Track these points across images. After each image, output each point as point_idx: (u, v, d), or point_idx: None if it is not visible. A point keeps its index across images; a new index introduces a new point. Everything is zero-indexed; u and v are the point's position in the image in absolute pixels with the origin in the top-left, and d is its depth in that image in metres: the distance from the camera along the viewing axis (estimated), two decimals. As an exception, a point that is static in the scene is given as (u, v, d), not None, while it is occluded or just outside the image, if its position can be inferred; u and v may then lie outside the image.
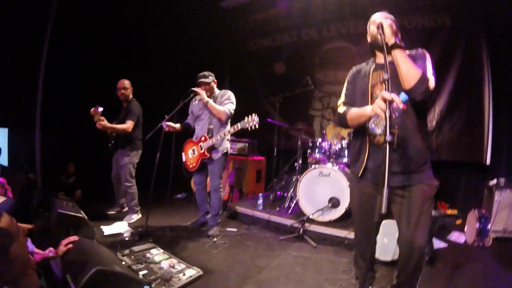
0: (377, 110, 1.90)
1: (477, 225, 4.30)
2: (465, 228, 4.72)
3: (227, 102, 4.52)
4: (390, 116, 1.77)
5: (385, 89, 1.87)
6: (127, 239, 4.22)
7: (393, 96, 1.81)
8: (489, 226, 4.33)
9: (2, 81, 5.45)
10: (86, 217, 3.92)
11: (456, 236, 4.77)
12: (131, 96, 5.30)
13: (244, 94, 7.24)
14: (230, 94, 4.62)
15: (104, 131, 5.15)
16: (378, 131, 2.00)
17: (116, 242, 4.01)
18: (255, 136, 4.71)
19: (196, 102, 4.73)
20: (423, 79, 2.05)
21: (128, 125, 5.06)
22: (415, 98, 2.05)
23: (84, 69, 6.32)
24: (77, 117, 5.92)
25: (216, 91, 4.70)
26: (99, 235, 4.27)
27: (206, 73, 4.57)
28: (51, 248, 2.66)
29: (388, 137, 1.67)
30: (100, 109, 4.86)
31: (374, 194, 2.34)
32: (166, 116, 4.39)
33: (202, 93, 4.37)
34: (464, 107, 5.69)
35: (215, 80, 4.68)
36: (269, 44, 8.07)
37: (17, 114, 5.75)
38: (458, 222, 5.32)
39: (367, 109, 2.16)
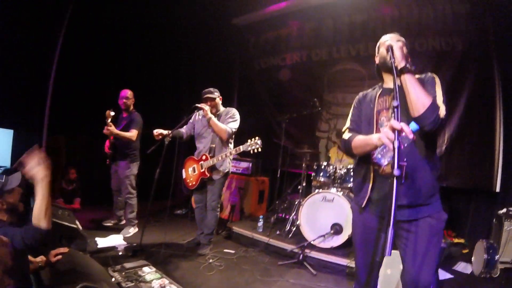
0: (385, 140, 1.76)
1: (485, 256, 4.14)
2: (472, 259, 4.55)
3: (230, 121, 4.47)
4: (399, 147, 1.65)
5: (394, 117, 1.76)
6: (120, 253, 4.12)
7: (402, 125, 1.68)
8: (497, 257, 4.16)
9: (11, 84, 5.45)
10: (80, 228, 3.87)
11: (462, 267, 4.61)
12: (132, 107, 5.30)
13: (251, 112, 7.23)
14: (234, 112, 4.56)
15: (103, 141, 5.17)
16: (385, 162, 1.87)
17: (109, 257, 3.91)
18: (260, 155, 4.63)
19: (200, 117, 4.67)
20: (433, 106, 1.93)
21: (133, 133, 5.08)
22: (424, 127, 1.92)
23: (92, 78, 6.36)
24: (83, 123, 5.92)
25: (221, 108, 4.65)
26: (93, 246, 4.17)
27: (211, 89, 4.55)
28: (42, 256, 2.60)
29: (396, 172, 1.56)
30: (112, 113, 4.92)
31: (377, 228, 2.21)
32: (169, 131, 4.33)
33: (206, 108, 4.31)
34: (475, 132, 5.56)
35: (221, 97, 4.64)
36: (278, 63, 8.04)
37: (24, 117, 5.73)
38: (465, 251, 5.15)
39: (374, 138, 2.02)
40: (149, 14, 6.72)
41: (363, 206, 2.25)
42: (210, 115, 4.31)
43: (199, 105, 4.34)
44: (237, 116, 4.55)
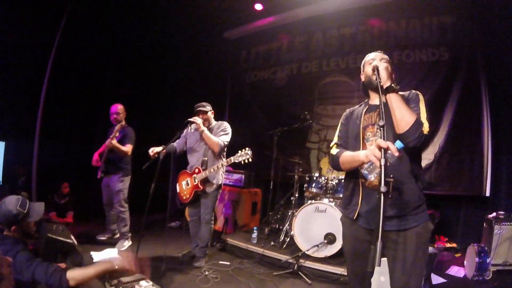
0: (372, 158, 1.85)
1: (477, 259, 4.25)
2: (465, 262, 4.67)
3: (222, 134, 4.53)
4: (385, 164, 1.73)
5: (380, 136, 1.85)
6: (116, 267, 4.10)
7: (388, 144, 1.78)
8: (488, 260, 4.28)
9: (2, 96, 5.45)
10: (75, 242, 3.84)
11: (455, 271, 4.72)
12: (124, 121, 5.30)
13: (242, 125, 7.29)
14: (226, 126, 4.63)
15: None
16: (372, 177, 1.94)
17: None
18: (252, 168, 4.69)
19: (192, 131, 4.72)
20: (417, 124, 2.03)
21: (129, 148, 5.11)
22: (408, 144, 2.01)
23: (85, 91, 6.37)
24: (75, 136, 5.91)
25: (213, 122, 4.71)
26: (88, 261, 4.15)
27: (204, 103, 4.62)
28: None
29: (383, 188, 1.64)
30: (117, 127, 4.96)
31: (366, 239, 2.28)
32: (163, 147, 4.36)
33: (199, 121, 4.36)
34: (464, 139, 5.71)
35: (213, 111, 4.70)
36: (269, 76, 8.14)
37: (16, 129, 5.73)
38: (457, 255, 5.26)
39: (361, 155, 2.10)
40: (142, 28, 6.78)
41: (354, 218, 2.31)
42: (203, 127, 4.36)
43: (191, 119, 4.39)
44: (229, 129, 4.61)
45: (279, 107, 7.72)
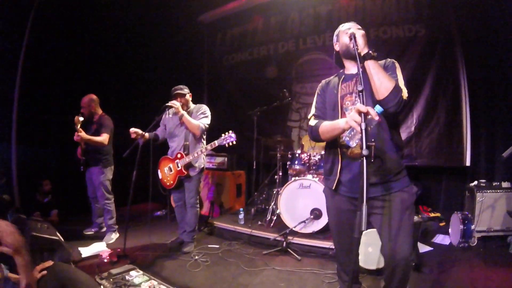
0: (352, 123, 1.86)
1: (461, 226, 4.39)
2: (450, 230, 4.80)
3: (202, 117, 4.50)
4: (366, 129, 1.74)
5: (360, 101, 1.86)
6: (105, 260, 4.09)
7: (368, 108, 1.79)
8: (473, 227, 4.41)
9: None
10: (62, 239, 3.80)
11: (441, 239, 4.84)
12: (100, 111, 5.21)
13: (222, 108, 7.27)
14: (205, 109, 4.59)
15: (75, 149, 5.13)
16: (353, 144, 1.96)
17: (94, 265, 3.88)
18: (234, 150, 4.69)
19: (171, 115, 4.68)
20: (397, 89, 2.05)
21: (105, 137, 5.00)
22: (388, 109, 2.04)
23: (59, 84, 6.22)
24: (53, 132, 5.80)
25: (191, 105, 4.67)
26: (77, 256, 4.13)
27: (181, 86, 4.56)
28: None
29: (365, 151, 1.66)
30: (81, 119, 4.83)
31: (350, 208, 2.32)
32: (144, 132, 4.30)
33: (178, 105, 4.31)
34: (442, 112, 5.78)
35: (190, 93, 4.65)
36: (246, 57, 8.08)
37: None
38: (442, 224, 5.40)
39: (341, 122, 2.12)
40: (115, 14, 6.62)
41: (333, 188, 2.34)
42: (182, 111, 4.33)
43: (169, 103, 4.34)
44: (208, 112, 4.59)
45: (257, 88, 7.68)
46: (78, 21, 6.36)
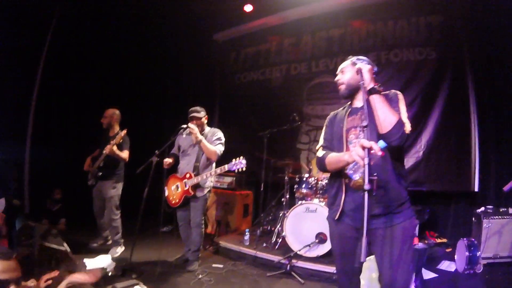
0: (356, 158, 1.91)
1: (467, 253, 4.33)
2: (455, 257, 4.75)
3: (218, 143, 4.56)
4: (369, 163, 1.78)
5: (364, 136, 1.91)
6: (110, 274, 4.12)
7: (372, 143, 1.83)
8: (478, 253, 4.35)
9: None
10: (69, 250, 3.84)
11: (446, 265, 4.80)
12: (117, 127, 5.29)
13: (232, 127, 7.31)
14: (220, 135, 4.66)
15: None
16: (356, 177, 2.00)
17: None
18: (243, 170, 4.74)
19: (184, 136, 4.75)
20: (400, 124, 2.08)
21: (127, 154, 5.09)
22: (391, 143, 2.06)
23: (76, 96, 6.34)
24: (68, 140, 5.89)
25: (206, 128, 4.73)
26: (82, 268, 4.16)
27: (198, 108, 4.62)
28: (33, 280, 2.61)
29: (367, 186, 1.69)
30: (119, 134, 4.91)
31: (353, 237, 2.34)
32: (156, 151, 4.39)
33: (196, 131, 4.37)
34: (451, 137, 5.78)
35: (206, 116, 4.72)
36: (258, 77, 8.17)
37: (6, 134, 5.69)
38: (448, 250, 5.34)
39: (345, 156, 2.18)
40: (133, 31, 6.78)
41: (336, 218, 2.37)
42: (200, 137, 4.38)
43: (189, 128, 4.39)
44: (223, 138, 4.66)
45: (268, 109, 7.74)
46: (99, 32, 6.53)
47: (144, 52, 7.32)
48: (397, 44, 6.35)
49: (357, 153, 1.90)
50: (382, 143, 1.93)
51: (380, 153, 1.85)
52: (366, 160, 1.78)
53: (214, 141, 4.56)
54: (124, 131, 5.00)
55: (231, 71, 8.64)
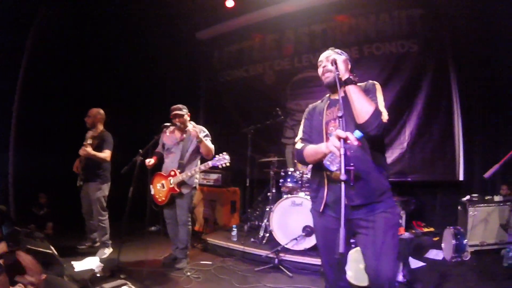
0: (332, 148, 1.93)
1: (454, 241, 4.42)
2: (442, 245, 4.84)
3: (208, 139, 4.59)
4: (345, 154, 1.80)
5: (339, 127, 1.92)
6: (98, 275, 4.11)
7: (347, 134, 1.85)
8: (465, 241, 4.45)
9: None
10: (55, 253, 3.83)
11: (434, 254, 4.87)
12: (101, 127, 5.27)
13: (217, 124, 7.35)
14: (206, 131, 4.70)
15: (71, 163, 5.23)
16: (333, 168, 2.02)
17: (87, 279, 3.89)
18: (229, 166, 4.76)
19: (168, 134, 4.76)
20: (377, 113, 2.10)
21: (107, 154, 5.05)
22: (369, 133, 2.09)
23: (58, 99, 6.27)
24: (51, 143, 5.84)
25: (189, 125, 4.73)
26: (70, 270, 4.15)
27: (180, 105, 4.62)
28: (20, 284, 2.59)
29: (343, 176, 1.71)
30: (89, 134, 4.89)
31: (337, 227, 2.37)
32: (140, 150, 4.38)
33: (198, 130, 4.38)
34: (435, 128, 5.91)
35: (189, 114, 4.73)
36: (242, 74, 8.21)
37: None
38: (435, 239, 5.43)
39: (322, 147, 2.20)
40: (115, 30, 6.71)
41: (321, 210, 2.40)
42: (200, 137, 4.38)
43: (190, 129, 4.42)
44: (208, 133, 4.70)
45: (252, 105, 7.80)
46: (80, 32, 6.46)
47: (126, 52, 7.24)
48: (379, 38, 6.44)
49: (333, 144, 1.92)
50: (358, 133, 1.96)
51: (356, 143, 1.88)
52: (342, 151, 1.80)
53: (204, 137, 4.58)
54: (99, 128, 5.14)
55: (214, 69, 8.67)
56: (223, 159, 4.08)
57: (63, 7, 6.04)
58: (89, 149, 4.87)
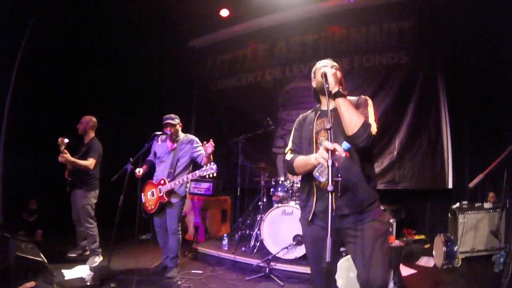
0: (320, 160, 1.96)
1: (444, 248, 4.48)
2: (433, 252, 4.89)
3: (200, 149, 4.62)
4: (333, 165, 1.83)
5: (328, 139, 1.97)
6: (88, 283, 4.10)
7: (335, 145, 1.89)
8: (456, 248, 4.51)
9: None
10: (45, 261, 3.81)
11: (425, 261, 4.93)
12: (92, 135, 5.25)
13: (208, 133, 7.36)
14: (198, 140, 4.73)
15: (64, 168, 5.17)
16: (322, 179, 2.05)
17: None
18: (220, 175, 4.79)
19: (160, 143, 4.79)
20: (365, 125, 2.14)
21: (90, 162, 5.00)
22: (358, 144, 2.14)
23: (51, 102, 6.26)
24: (42, 149, 5.80)
25: (181, 134, 4.77)
26: (60, 279, 4.13)
27: (172, 115, 4.66)
28: None
29: (330, 187, 1.74)
30: (66, 140, 4.81)
31: (325, 237, 2.40)
32: (130, 158, 4.37)
33: (209, 150, 4.32)
34: (424, 137, 6.01)
35: (181, 124, 4.76)
36: (234, 84, 8.26)
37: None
38: (427, 246, 5.50)
39: (311, 158, 2.21)
40: (109, 37, 6.73)
41: (309, 220, 2.42)
42: (209, 151, 4.33)
43: (208, 148, 4.32)
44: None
45: (244, 114, 7.84)
46: (74, 38, 6.48)
47: (119, 58, 7.25)
48: (370, 49, 6.57)
49: (321, 155, 1.95)
50: (346, 145, 1.99)
51: (344, 154, 1.91)
52: (330, 162, 1.84)
53: (197, 147, 4.64)
54: (90, 135, 5.18)
55: (207, 77, 8.71)
56: (210, 169, 4.09)
57: (58, 13, 6.04)
58: (68, 156, 4.81)
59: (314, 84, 2.60)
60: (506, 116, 5.17)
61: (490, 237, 4.70)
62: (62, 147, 4.79)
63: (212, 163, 4.16)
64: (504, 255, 4.17)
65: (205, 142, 4.30)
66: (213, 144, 4.25)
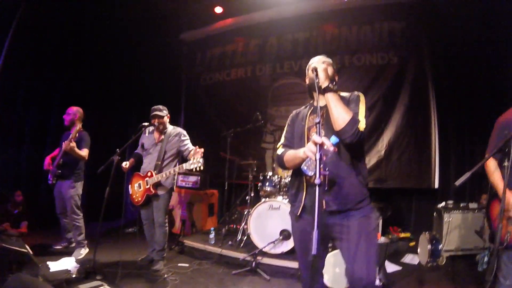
0: (308, 153, 1.98)
1: (429, 246, 4.53)
2: (418, 250, 4.96)
3: (188, 142, 4.62)
4: (321, 159, 1.84)
5: (316, 133, 1.98)
6: (73, 276, 4.07)
7: (323, 139, 1.91)
8: (440, 247, 4.57)
9: None
10: (30, 252, 3.77)
11: (410, 258, 5.00)
12: (79, 126, 5.15)
13: (197, 127, 7.36)
14: (186, 133, 4.73)
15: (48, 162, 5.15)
16: (311, 173, 2.08)
17: (62, 280, 3.85)
18: (208, 169, 4.78)
19: (147, 134, 4.77)
20: (353, 121, 2.15)
21: (86, 152, 5.00)
22: (345, 140, 2.15)
23: (34, 97, 6.20)
24: (27, 140, 5.75)
25: (169, 127, 4.75)
26: (45, 271, 4.09)
27: (160, 106, 4.64)
28: None
29: (317, 181, 1.75)
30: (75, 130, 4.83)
31: (312, 230, 2.42)
32: (117, 150, 4.34)
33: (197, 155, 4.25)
34: (412, 137, 6.08)
35: (169, 115, 4.74)
36: (224, 78, 8.22)
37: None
38: (412, 244, 5.56)
39: (300, 152, 2.22)
40: (96, 28, 6.66)
41: (298, 214, 2.43)
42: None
43: (197, 154, 4.24)
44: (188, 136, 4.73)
45: (233, 109, 7.82)
46: (60, 29, 6.39)
47: (108, 51, 7.18)
48: (361, 49, 6.60)
49: (309, 149, 1.97)
50: (334, 139, 2.02)
51: (332, 148, 1.94)
52: (318, 156, 1.85)
53: (185, 141, 4.63)
54: (78, 127, 5.00)
55: (196, 71, 8.64)
56: (197, 162, 4.06)
57: (44, 6, 5.95)
58: (74, 144, 4.78)
59: (307, 81, 2.62)
60: (492, 117, 5.24)
61: (475, 236, 4.76)
62: (75, 136, 4.82)
63: (199, 156, 4.13)
64: (488, 254, 4.23)
65: (197, 146, 4.27)
66: (202, 153, 4.21)
